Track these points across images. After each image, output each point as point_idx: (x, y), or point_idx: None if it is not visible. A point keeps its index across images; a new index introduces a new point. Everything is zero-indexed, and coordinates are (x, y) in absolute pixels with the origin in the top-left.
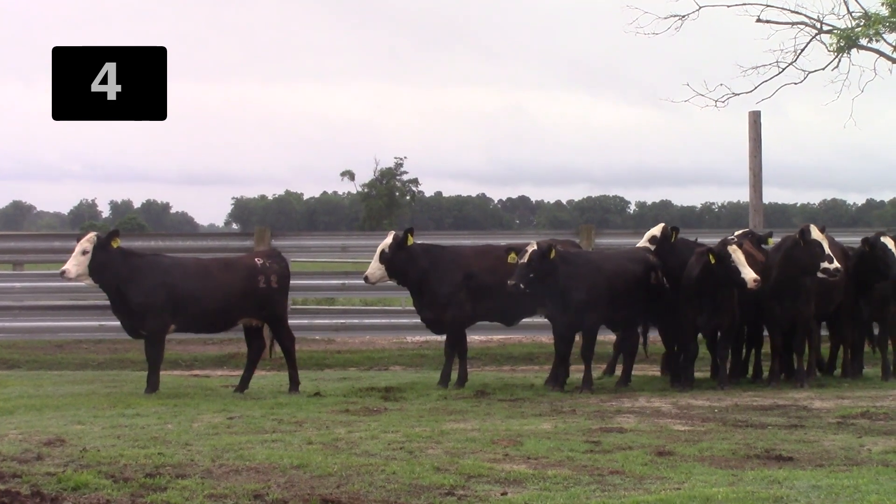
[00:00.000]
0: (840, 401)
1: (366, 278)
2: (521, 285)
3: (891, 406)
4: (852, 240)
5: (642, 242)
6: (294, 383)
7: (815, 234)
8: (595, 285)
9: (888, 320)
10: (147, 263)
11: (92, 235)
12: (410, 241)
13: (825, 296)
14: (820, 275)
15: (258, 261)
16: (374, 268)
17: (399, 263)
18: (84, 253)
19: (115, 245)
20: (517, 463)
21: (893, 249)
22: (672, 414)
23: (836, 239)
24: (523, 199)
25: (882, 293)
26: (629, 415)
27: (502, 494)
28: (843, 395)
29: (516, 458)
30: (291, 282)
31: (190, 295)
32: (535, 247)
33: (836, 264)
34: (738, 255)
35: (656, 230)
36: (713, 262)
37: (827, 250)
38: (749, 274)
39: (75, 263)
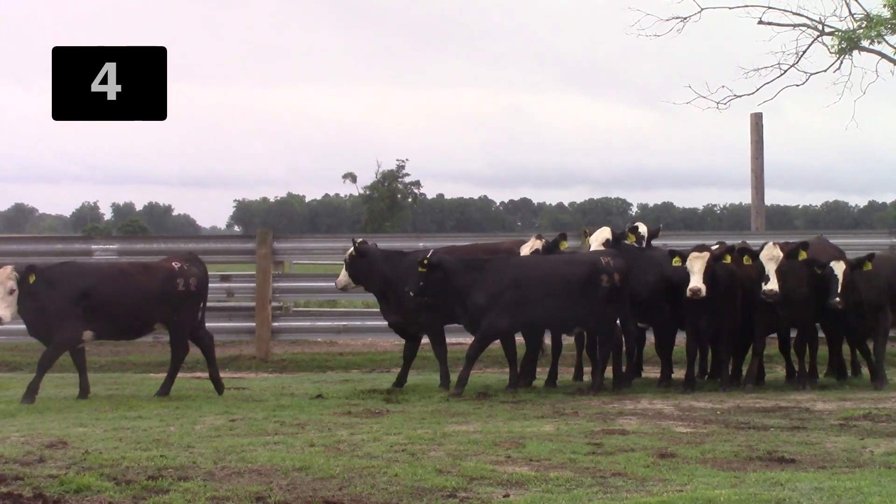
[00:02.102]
0: (842, 403)
1: (335, 284)
2: (412, 293)
3: (893, 408)
4: (854, 241)
5: (595, 245)
6: (217, 384)
7: (766, 252)
8: (498, 289)
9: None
10: (60, 272)
11: (9, 272)
12: (353, 250)
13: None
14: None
15: (175, 265)
16: (342, 274)
17: (359, 270)
18: (12, 293)
19: (31, 281)
20: (519, 465)
21: (840, 277)
22: (674, 416)
23: (838, 241)
24: (525, 201)
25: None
26: (631, 417)
27: (504, 496)
28: (846, 397)
29: (518, 460)
30: (293, 283)
31: (107, 300)
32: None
33: (770, 286)
34: (691, 263)
35: (607, 232)
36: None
37: (768, 271)
38: (692, 284)
39: (6, 306)
